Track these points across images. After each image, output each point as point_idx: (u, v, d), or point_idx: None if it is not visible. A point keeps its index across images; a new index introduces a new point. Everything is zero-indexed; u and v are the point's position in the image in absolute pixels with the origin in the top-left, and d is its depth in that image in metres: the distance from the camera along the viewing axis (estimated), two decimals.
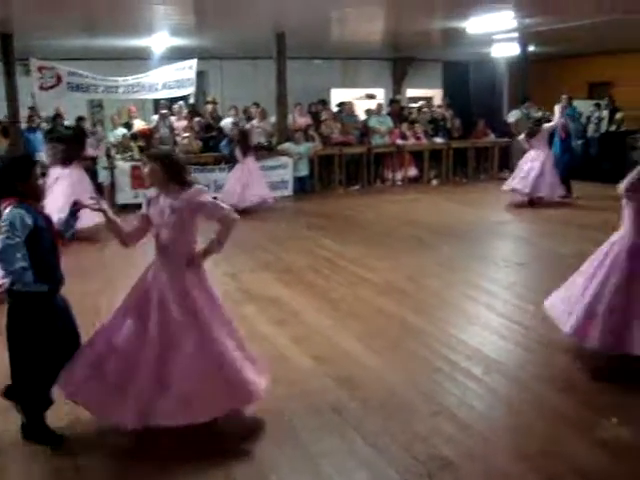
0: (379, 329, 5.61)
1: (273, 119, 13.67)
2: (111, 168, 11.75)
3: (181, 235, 3.85)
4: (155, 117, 13.46)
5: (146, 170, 3.94)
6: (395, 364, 4.87)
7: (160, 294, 3.79)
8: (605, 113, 15.43)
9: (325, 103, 15.67)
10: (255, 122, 13.41)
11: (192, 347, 3.70)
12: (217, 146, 12.58)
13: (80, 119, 12.12)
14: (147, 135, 12.75)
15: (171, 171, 3.84)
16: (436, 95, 19.24)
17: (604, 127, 15.29)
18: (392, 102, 16.20)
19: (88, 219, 8.89)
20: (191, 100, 13.42)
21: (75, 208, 3.94)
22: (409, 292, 6.65)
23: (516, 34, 12.94)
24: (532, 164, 11.23)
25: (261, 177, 11.58)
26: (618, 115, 15.08)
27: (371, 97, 17.98)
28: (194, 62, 12.32)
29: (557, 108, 11.58)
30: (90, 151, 10.62)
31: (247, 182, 11.15)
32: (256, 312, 6.05)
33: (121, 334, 3.81)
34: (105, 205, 3.99)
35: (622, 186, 4.61)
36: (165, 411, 3.62)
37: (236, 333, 4.00)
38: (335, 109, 15.35)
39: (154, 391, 3.66)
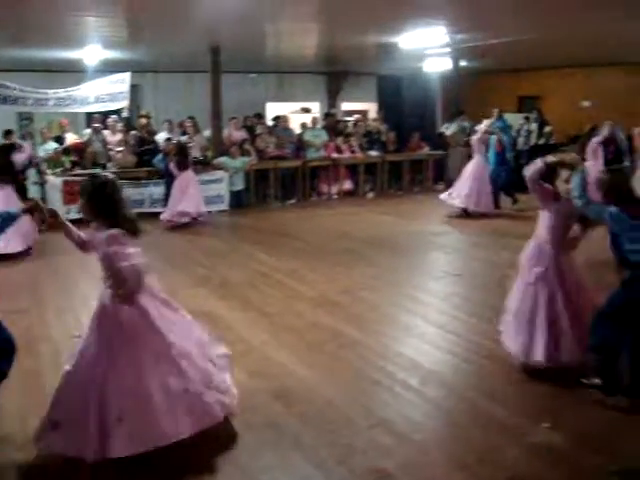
0: (315, 342, 5.56)
1: (208, 133, 13.56)
2: (41, 183, 11.41)
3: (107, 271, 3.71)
4: (88, 131, 13.18)
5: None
6: (331, 377, 4.83)
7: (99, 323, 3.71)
8: (534, 126, 15.87)
9: (261, 117, 15.64)
10: (188, 137, 13.25)
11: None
12: (151, 161, 12.38)
13: (8, 133, 11.75)
14: (80, 149, 12.47)
15: (99, 207, 3.71)
16: (371, 109, 19.46)
17: (533, 140, 15.72)
18: (327, 116, 16.29)
19: (17, 244, 8.71)
20: (125, 114, 13.19)
21: (23, 211, 3.87)
22: (345, 305, 6.62)
23: (448, 49, 13.18)
24: (468, 177, 11.49)
25: (198, 192, 11.47)
26: (547, 129, 15.52)
27: (306, 111, 18.04)
28: (127, 75, 12.14)
29: (485, 122, 11.91)
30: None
31: (182, 197, 11.05)
32: None
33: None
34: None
35: (528, 173, 4.62)
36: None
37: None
38: (270, 123, 15.33)
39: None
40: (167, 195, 11.47)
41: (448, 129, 15.48)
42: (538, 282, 4.71)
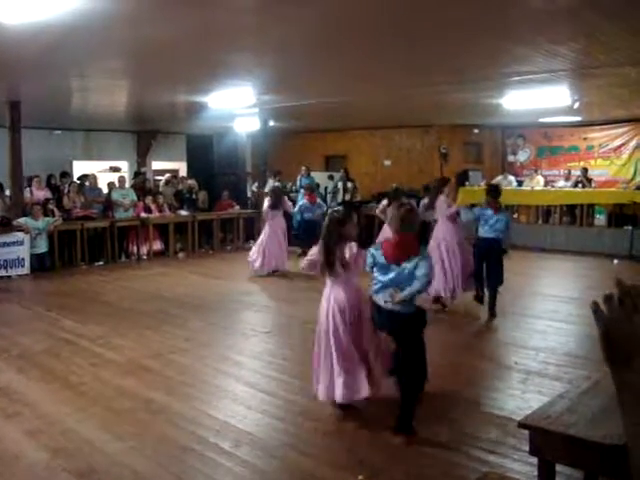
0: (123, 412, 5.33)
1: (8, 192, 12.78)
2: None
3: None
4: None
5: None
6: (141, 449, 4.64)
7: None
8: (340, 184, 16.68)
9: (67, 175, 15.04)
10: None
11: None
12: None
13: None
14: None
15: None
16: (181, 168, 19.44)
17: (340, 197, 16.50)
18: (136, 175, 16.01)
19: None
20: None
21: None
22: (155, 370, 6.43)
23: (256, 109, 13.54)
24: (264, 240, 11.82)
25: None
26: (349, 185, 16.39)
27: (115, 170, 17.60)
28: None
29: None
30: None
31: None
32: None
33: None
34: None
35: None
36: None
37: None
38: (77, 182, 14.78)
39: None
40: None
41: (260, 187, 15.85)
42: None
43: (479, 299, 8.62)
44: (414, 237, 4.92)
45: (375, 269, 4.95)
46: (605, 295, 1.23)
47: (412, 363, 4.82)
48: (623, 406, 1.25)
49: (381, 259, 4.87)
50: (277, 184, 15.11)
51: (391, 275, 4.82)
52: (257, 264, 11.65)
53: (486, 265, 8.43)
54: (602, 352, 1.25)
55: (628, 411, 1.24)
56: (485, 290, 8.51)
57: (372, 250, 4.97)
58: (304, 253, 11.78)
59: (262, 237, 11.90)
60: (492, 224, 8.39)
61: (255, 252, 11.79)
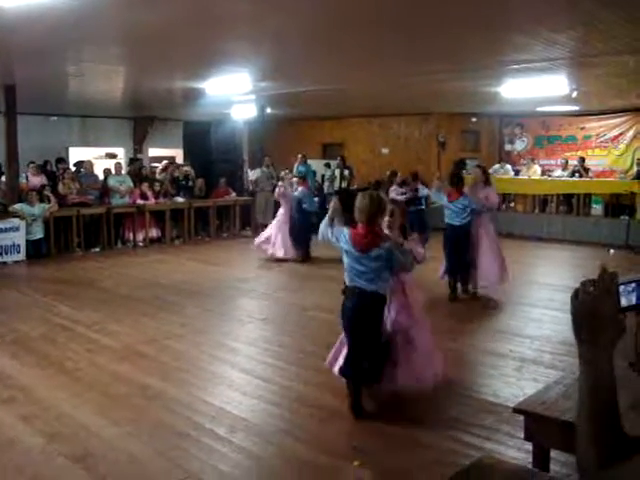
0: (119, 397, 5.34)
1: (3, 178, 12.73)
2: None
3: None
4: None
5: None
6: (137, 434, 4.64)
7: None
8: (337, 171, 16.64)
9: (63, 162, 14.97)
10: None
11: None
12: None
13: None
14: None
15: None
16: (178, 155, 19.37)
17: (337, 184, 16.46)
18: (132, 161, 15.95)
19: None
20: None
21: None
22: (151, 356, 6.44)
23: (253, 96, 13.49)
24: (273, 226, 11.88)
25: None
26: (346, 172, 16.36)
27: (112, 156, 17.53)
28: None
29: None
30: None
31: None
32: None
33: None
34: None
35: None
36: None
37: None
38: (73, 168, 14.72)
39: None
40: None
41: (252, 174, 15.83)
42: None
43: (453, 290, 8.78)
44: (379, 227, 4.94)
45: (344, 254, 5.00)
46: (582, 281, 1.38)
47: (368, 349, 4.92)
48: (579, 384, 1.39)
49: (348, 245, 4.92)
50: (265, 170, 15.06)
51: (356, 263, 4.88)
52: (272, 249, 11.71)
53: (454, 250, 8.59)
54: (572, 330, 1.38)
55: (581, 386, 1.38)
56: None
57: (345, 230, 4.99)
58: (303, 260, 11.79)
59: (277, 222, 11.92)
60: (455, 211, 8.54)
61: (269, 236, 11.82)
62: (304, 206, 12.16)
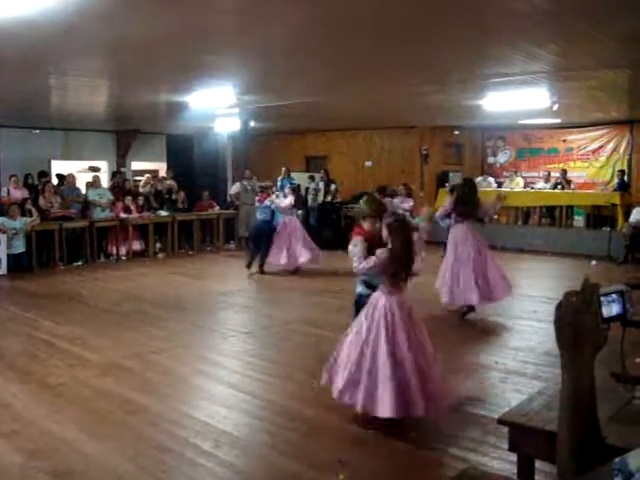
0: (102, 412, 5.28)
1: None
2: None
3: None
4: None
5: None
6: (120, 450, 4.59)
7: None
8: (321, 185, 16.66)
9: (45, 175, 14.88)
10: None
11: None
12: None
13: None
14: None
15: None
16: (161, 168, 19.32)
17: (321, 198, 16.48)
18: (114, 175, 15.89)
19: None
20: None
21: None
22: (134, 370, 6.38)
23: (237, 110, 13.50)
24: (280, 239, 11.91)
25: None
26: (332, 187, 16.38)
27: (95, 170, 17.44)
28: None
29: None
30: None
31: None
32: None
33: None
34: None
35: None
36: None
37: None
38: (55, 181, 14.63)
39: None
40: None
41: (233, 189, 15.82)
42: None
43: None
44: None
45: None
46: (565, 292, 1.44)
47: None
48: (561, 393, 1.42)
49: None
50: (246, 184, 15.00)
51: None
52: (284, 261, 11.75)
53: None
54: (555, 339, 1.44)
55: (562, 395, 1.42)
56: None
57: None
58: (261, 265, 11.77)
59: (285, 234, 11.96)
60: None
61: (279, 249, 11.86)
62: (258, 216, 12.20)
